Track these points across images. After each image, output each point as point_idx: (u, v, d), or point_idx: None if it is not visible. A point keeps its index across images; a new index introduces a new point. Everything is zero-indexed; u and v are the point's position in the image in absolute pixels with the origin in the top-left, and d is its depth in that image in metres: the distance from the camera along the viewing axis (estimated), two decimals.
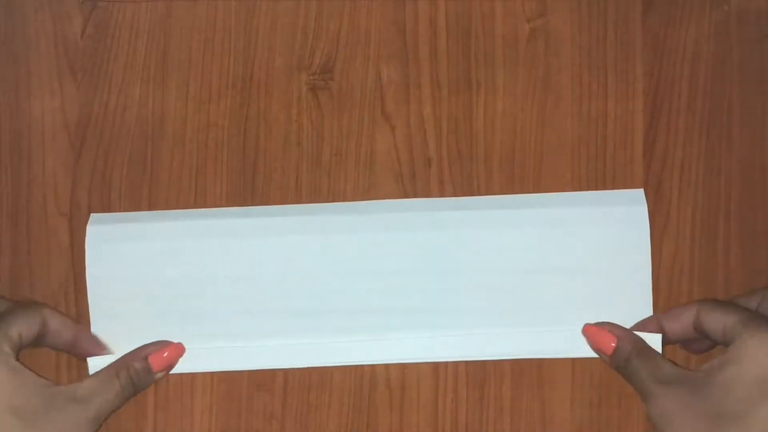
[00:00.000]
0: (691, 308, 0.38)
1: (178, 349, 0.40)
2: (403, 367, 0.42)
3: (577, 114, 0.43)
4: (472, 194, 0.43)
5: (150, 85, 0.44)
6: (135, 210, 0.43)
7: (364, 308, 0.41)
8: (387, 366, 0.42)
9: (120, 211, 0.43)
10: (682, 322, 0.38)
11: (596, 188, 0.43)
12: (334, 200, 0.43)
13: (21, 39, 0.44)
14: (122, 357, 0.39)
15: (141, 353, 0.40)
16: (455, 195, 0.43)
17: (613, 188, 0.43)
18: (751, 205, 0.42)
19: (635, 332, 0.39)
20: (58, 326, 0.39)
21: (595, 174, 0.43)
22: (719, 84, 0.43)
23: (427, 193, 0.43)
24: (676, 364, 0.37)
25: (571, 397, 0.42)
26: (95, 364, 0.40)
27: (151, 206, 0.43)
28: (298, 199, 0.43)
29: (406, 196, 0.43)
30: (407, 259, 0.41)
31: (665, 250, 0.42)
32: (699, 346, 0.40)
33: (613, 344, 0.39)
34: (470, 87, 0.43)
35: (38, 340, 0.38)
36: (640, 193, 0.41)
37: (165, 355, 0.40)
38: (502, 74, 0.43)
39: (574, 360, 0.42)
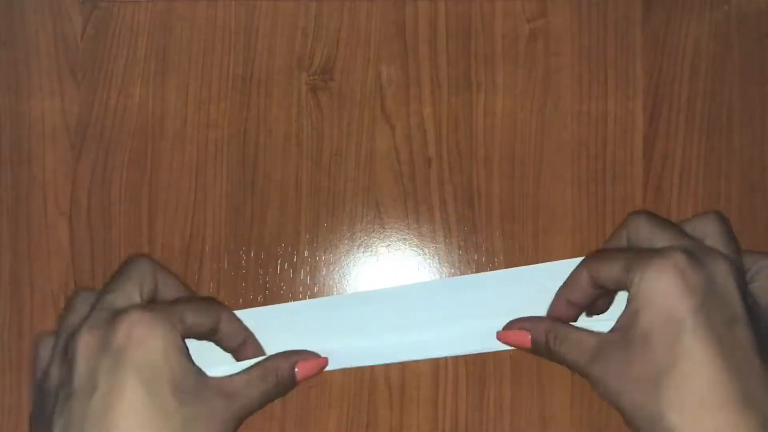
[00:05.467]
0: (581, 271, 0.37)
1: (323, 363, 0.39)
2: (402, 366, 0.42)
3: (577, 114, 0.43)
4: (471, 194, 0.43)
5: (150, 85, 0.44)
6: (135, 210, 0.43)
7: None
8: (387, 366, 0.42)
9: (120, 210, 0.43)
10: (582, 290, 0.37)
11: (596, 188, 0.43)
12: (334, 200, 0.43)
13: (21, 39, 0.44)
14: (271, 359, 0.38)
15: (290, 359, 0.38)
16: (455, 195, 0.43)
17: (613, 188, 0.43)
18: (751, 205, 0.42)
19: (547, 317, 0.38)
20: (230, 331, 0.38)
21: (595, 174, 0.43)
22: (719, 84, 0.43)
23: (427, 193, 0.43)
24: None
25: (571, 397, 0.42)
26: None
27: (150, 207, 0.43)
28: (298, 199, 0.43)
29: (405, 195, 0.43)
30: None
31: None
32: (603, 303, 0.39)
33: (528, 337, 0.38)
34: (470, 87, 0.43)
35: (206, 336, 0.37)
36: None
37: (312, 365, 0.38)
38: (502, 74, 0.43)
39: None
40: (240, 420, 0.36)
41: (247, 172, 0.43)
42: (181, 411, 0.33)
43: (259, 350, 0.39)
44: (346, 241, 0.43)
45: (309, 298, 0.43)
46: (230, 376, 0.36)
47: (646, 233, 0.36)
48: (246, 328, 0.39)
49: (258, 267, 0.43)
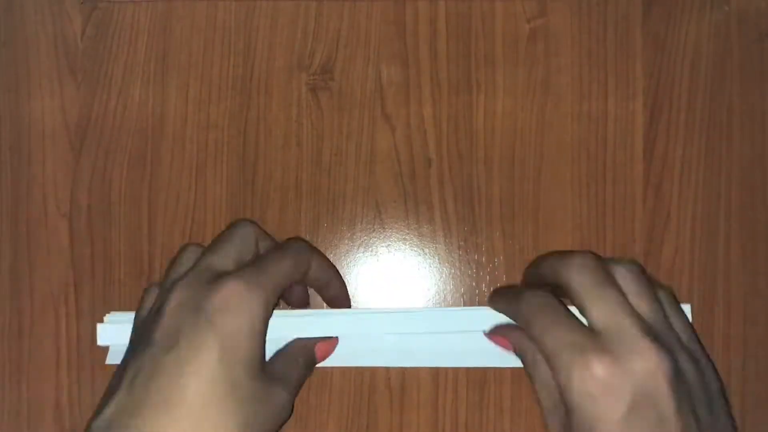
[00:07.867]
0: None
1: (335, 342, 0.39)
2: (403, 368, 0.42)
3: (577, 114, 0.43)
4: (471, 195, 0.43)
5: (150, 85, 0.44)
6: (135, 210, 0.43)
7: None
8: (387, 367, 0.42)
9: (120, 210, 0.43)
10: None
11: (596, 188, 0.43)
12: (334, 200, 0.43)
13: (21, 39, 0.44)
14: (295, 343, 0.38)
15: (309, 341, 0.38)
16: (455, 195, 0.43)
17: (613, 188, 0.43)
18: (751, 205, 0.42)
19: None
20: (318, 275, 0.38)
21: (595, 174, 0.43)
22: (719, 84, 0.43)
23: (427, 194, 0.43)
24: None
25: None
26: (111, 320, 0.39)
27: (150, 207, 0.43)
28: (298, 199, 0.43)
29: (406, 196, 0.43)
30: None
31: (665, 250, 0.42)
32: None
33: (510, 344, 0.37)
34: (470, 87, 0.43)
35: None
36: None
37: (328, 345, 0.38)
38: (502, 74, 0.43)
39: None
40: (293, 402, 0.36)
41: (247, 172, 0.43)
42: (249, 388, 0.33)
43: (342, 288, 0.41)
44: (346, 241, 0.43)
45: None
46: (272, 362, 0.36)
47: (582, 297, 0.33)
48: (330, 267, 0.40)
49: None
